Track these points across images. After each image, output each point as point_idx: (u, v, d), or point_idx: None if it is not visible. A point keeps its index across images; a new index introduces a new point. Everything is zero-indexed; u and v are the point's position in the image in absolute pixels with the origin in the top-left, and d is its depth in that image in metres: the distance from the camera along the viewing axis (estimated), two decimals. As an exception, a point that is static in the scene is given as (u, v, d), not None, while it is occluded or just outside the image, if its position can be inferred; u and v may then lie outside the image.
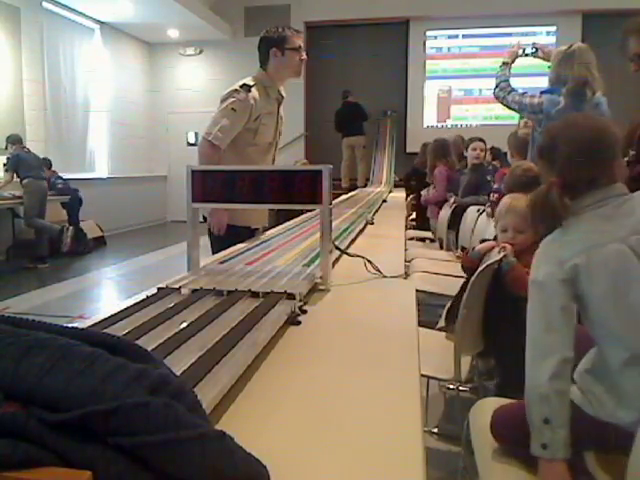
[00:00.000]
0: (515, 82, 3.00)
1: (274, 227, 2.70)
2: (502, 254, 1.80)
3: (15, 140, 6.20)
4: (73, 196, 7.04)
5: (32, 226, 6.20)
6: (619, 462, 1.01)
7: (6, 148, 6.18)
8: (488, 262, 1.74)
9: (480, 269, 1.71)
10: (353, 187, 8.17)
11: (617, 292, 1.07)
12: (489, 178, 4.18)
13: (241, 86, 2.35)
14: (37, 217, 6.19)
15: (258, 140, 2.42)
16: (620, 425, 1.05)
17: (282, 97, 2.53)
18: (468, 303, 1.69)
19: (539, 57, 3.09)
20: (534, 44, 3.16)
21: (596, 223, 1.14)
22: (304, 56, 2.47)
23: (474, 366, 1.85)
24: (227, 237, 2.31)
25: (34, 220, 6.19)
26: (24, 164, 6.12)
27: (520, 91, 2.93)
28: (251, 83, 2.37)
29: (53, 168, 7.00)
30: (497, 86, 3.01)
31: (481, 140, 4.45)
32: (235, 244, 2.14)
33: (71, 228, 6.45)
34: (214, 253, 2.19)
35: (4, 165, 6.22)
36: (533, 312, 1.14)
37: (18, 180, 6.13)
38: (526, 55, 3.12)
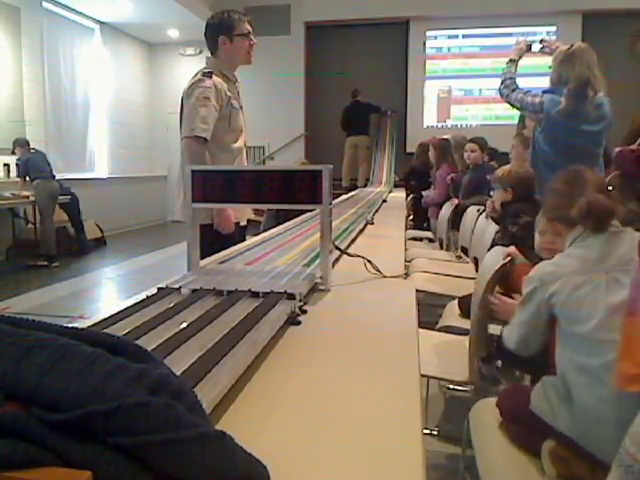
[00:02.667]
0: (519, 82, 2.98)
1: (274, 227, 2.70)
2: (508, 259, 1.79)
3: (22, 143, 6.26)
4: (72, 197, 7.04)
5: (46, 228, 6.19)
6: (570, 459, 1.15)
7: (13, 152, 6.24)
8: (497, 266, 1.73)
9: (491, 273, 1.71)
10: (353, 187, 8.17)
11: (579, 317, 1.19)
12: (489, 177, 4.18)
13: (202, 75, 2.28)
14: (51, 217, 6.23)
15: (234, 126, 2.36)
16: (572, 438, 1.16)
17: (238, 82, 2.48)
18: (482, 304, 1.70)
19: (546, 53, 3.05)
20: (542, 40, 3.14)
21: (586, 252, 1.27)
22: (254, 41, 2.39)
23: (477, 370, 1.84)
24: (216, 237, 2.24)
25: (51, 223, 6.21)
26: (33, 167, 6.18)
27: (524, 89, 2.91)
28: (210, 70, 2.30)
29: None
30: (502, 83, 2.99)
31: (473, 141, 4.43)
32: (226, 242, 2.10)
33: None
34: (204, 256, 2.07)
35: (17, 167, 6.28)
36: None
37: (29, 181, 6.21)
38: (533, 51, 3.10)
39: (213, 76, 2.29)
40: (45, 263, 6.07)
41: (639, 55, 2.36)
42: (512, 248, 1.94)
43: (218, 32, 2.34)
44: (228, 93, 2.33)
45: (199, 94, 2.21)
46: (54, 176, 6.37)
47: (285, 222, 2.85)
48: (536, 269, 1.35)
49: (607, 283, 1.18)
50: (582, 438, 1.16)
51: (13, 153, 6.27)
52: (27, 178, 6.22)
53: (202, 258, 1.96)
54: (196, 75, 2.31)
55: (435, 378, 1.89)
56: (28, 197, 6.23)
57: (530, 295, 1.31)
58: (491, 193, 2.77)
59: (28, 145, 6.29)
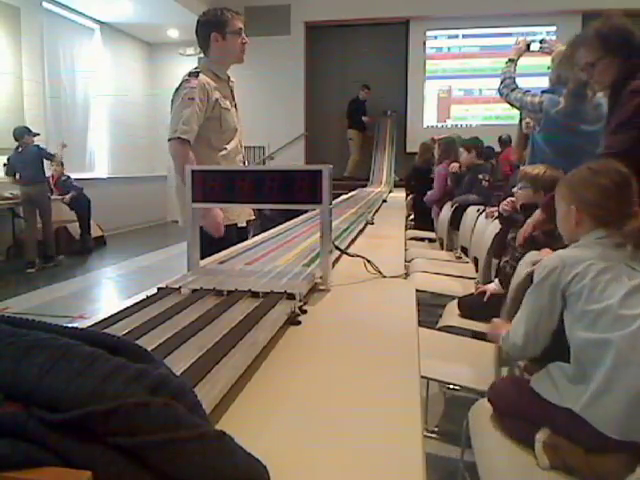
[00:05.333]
0: (518, 82, 2.98)
1: (274, 227, 2.70)
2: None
3: (18, 135, 6.01)
4: (78, 194, 7.03)
5: (25, 232, 6.17)
6: (563, 446, 1.19)
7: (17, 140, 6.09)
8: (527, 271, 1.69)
9: (520, 279, 1.68)
10: (358, 179, 8.48)
11: (601, 297, 1.23)
12: (480, 177, 4.23)
13: (189, 75, 2.27)
14: (32, 222, 6.15)
15: (225, 127, 2.34)
16: (575, 411, 1.19)
17: (232, 81, 2.45)
18: (511, 311, 1.68)
19: (546, 52, 3.04)
20: (542, 39, 3.13)
21: (605, 248, 1.32)
22: (246, 40, 2.37)
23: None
24: (213, 239, 2.21)
25: (29, 228, 6.16)
26: (16, 169, 6.02)
27: (524, 89, 2.92)
28: (198, 70, 2.30)
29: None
30: (502, 83, 2.99)
31: (462, 145, 4.53)
32: (225, 245, 2.07)
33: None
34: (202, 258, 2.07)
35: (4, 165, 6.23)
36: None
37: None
38: (532, 51, 3.10)
39: (200, 75, 2.27)
40: (31, 270, 5.97)
41: (580, 64, 2.32)
42: (548, 251, 1.93)
43: (210, 29, 2.31)
44: (216, 93, 2.30)
45: (184, 95, 2.22)
46: (38, 181, 6.09)
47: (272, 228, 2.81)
48: (555, 254, 1.35)
49: (625, 270, 1.25)
50: (589, 411, 1.17)
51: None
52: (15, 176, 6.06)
53: (201, 259, 1.96)
54: (185, 76, 2.31)
55: (437, 381, 1.89)
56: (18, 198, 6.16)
57: (546, 277, 1.30)
58: (514, 190, 2.61)
59: (22, 138, 6.00)
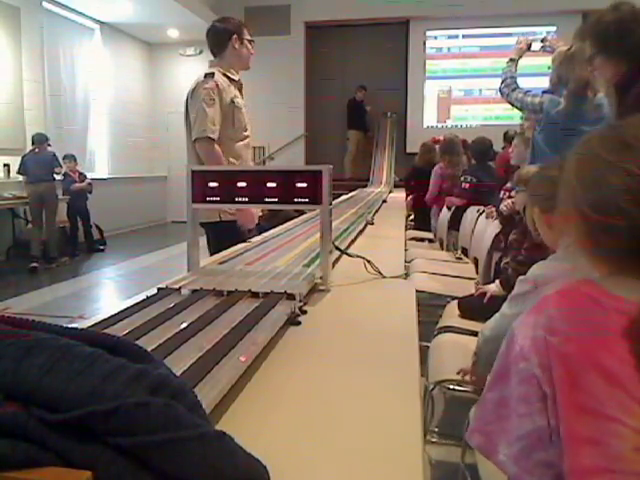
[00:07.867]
0: (519, 82, 2.98)
1: (274, 227, 2.70)
2: None
3: (38, 141, 6.25)
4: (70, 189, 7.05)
5: (33, 230, 6.26)
6: None
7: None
8: None
9: None
10: (359, 179, 8.51)
11: None
12: (462, 178, 4.28)
13: (205, 76, 2.37)
14: (37, 221, 6.23)
15: (237, 126, 2.43)
16: None
17: (241, 83, 2.56)
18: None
19: (548, 52, 3.03)
20: (544, 39, 3.12)
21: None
22: (252, 51, 2.54)
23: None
24: (228, 234, 2.30)
25: (33, 228, 6.25)
26: (28, 168, 6.18)
27: (524, 89, 2.91)
28: (212, 71, 2.41)
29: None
30: (502, 82, 2.98)
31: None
32: (236, 241, 2.15)
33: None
34: (213, 253, 2.18)
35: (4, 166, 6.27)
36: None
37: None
38: (533, 50, 3.09)
39: (215, 76, 2.37)
40: (35, 265, 6.00)
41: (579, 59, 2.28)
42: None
43: (232, 32, 2.46)
44: (232, 92, 2.41)
45: (205, 95, 2.30)
46: (45, 179, 6.21)
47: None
48: (531, 271, 1.38)
49: None
50: None
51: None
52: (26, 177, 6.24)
53: (218, 251, 2.03)
54: (200, 77, 2.40)
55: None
56: (27, 197, 6.23)
57: (522, 295, 1.35)
58: (513, 193, 2.57)
59: (39, 143, 6.23)
